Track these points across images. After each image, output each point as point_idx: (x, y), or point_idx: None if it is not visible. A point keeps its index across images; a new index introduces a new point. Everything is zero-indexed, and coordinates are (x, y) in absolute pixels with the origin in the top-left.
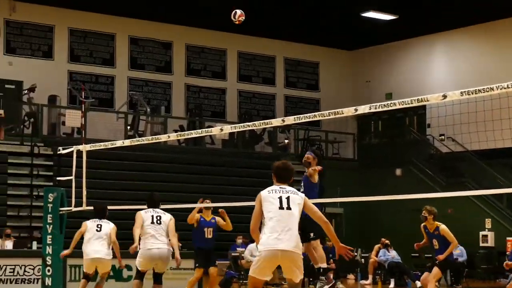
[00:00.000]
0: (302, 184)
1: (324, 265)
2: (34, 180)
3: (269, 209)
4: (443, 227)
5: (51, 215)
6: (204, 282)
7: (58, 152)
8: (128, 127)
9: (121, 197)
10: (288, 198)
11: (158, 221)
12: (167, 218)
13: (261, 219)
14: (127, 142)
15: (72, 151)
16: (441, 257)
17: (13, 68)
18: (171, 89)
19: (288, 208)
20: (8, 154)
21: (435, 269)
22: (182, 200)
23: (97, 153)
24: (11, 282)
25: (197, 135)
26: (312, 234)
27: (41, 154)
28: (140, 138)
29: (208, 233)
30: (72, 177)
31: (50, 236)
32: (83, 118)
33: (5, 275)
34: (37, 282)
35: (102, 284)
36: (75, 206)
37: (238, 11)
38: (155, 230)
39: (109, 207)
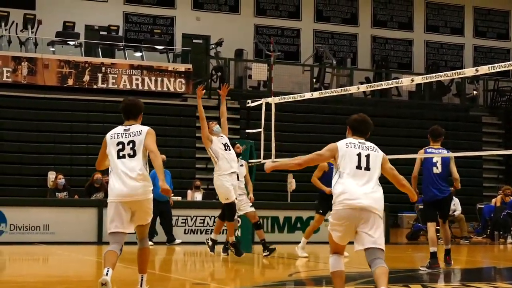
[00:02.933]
0: None
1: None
2: None
3: (345, 166)
4: None
5: None
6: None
7: (247, 105)
8: (314, 80)
9: (308, 150)
10: (368, 156)
11: None
12: None
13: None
14: (315, 94)
15: (260, 104)
16: None
17: (201, 23)
18: (357, 41)
19: (367, 168)
20: (196, 107)
21: None
22: None
23: (283, 106)
24: (201, 233)
25: (387, 86)
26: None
27: (228, 108)
28: (329, 90)
29: None
30: (261, 130)
31: None
32: (270, 71)
33: (195, 226)
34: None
35: None
36: (264, 159)
37: None
38: None
39: None
